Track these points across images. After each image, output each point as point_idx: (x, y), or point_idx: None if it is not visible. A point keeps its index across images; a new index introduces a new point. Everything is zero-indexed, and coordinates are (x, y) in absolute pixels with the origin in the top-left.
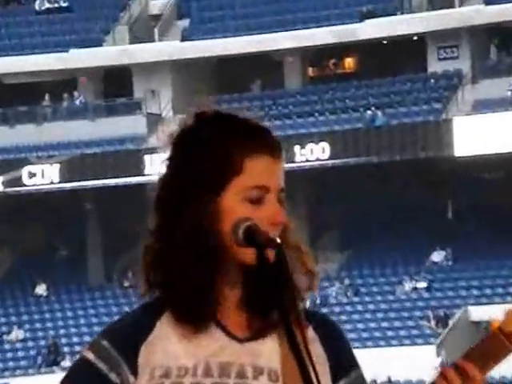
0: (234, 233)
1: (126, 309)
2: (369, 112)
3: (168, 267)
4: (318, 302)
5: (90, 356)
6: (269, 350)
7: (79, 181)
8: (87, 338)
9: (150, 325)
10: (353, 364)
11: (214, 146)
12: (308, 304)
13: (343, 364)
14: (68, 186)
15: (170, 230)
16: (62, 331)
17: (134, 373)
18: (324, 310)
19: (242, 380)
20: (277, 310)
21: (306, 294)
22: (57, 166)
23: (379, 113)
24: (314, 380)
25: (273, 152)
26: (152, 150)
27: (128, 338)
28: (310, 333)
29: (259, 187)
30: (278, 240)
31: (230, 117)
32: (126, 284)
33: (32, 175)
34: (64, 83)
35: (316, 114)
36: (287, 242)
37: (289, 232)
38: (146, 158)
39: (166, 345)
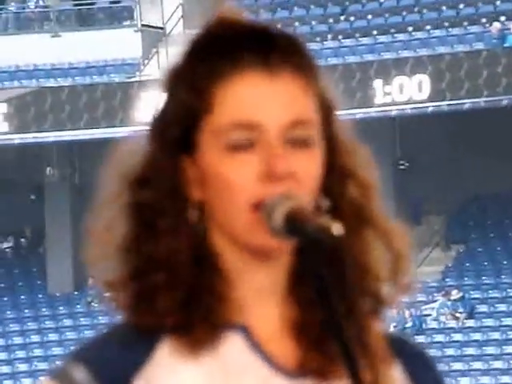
0: (267, 216)
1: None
2: (496, 25)
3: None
4: (408, 325)
5: None
6: None
7: (35, 132)
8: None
9: (147, 351)
10: None
11: (181, 77)
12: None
13: None
14: (17, 138)
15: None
16: None
17: None
18: (418, 340)
19: None
20: (333, 336)
21: (382, 307)
22: (1, 107)
23: None
24: None
25: (269, 63)
26: (149, 84)
27: (115, 367)
28: (398, 372)
29: (242, 125)
30: (338, 229)
31: (226, 25)
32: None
33: None
34: None
35: (409, 29)
36: (360, 217)
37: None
38: (141, 95)
39: (173, 381)
